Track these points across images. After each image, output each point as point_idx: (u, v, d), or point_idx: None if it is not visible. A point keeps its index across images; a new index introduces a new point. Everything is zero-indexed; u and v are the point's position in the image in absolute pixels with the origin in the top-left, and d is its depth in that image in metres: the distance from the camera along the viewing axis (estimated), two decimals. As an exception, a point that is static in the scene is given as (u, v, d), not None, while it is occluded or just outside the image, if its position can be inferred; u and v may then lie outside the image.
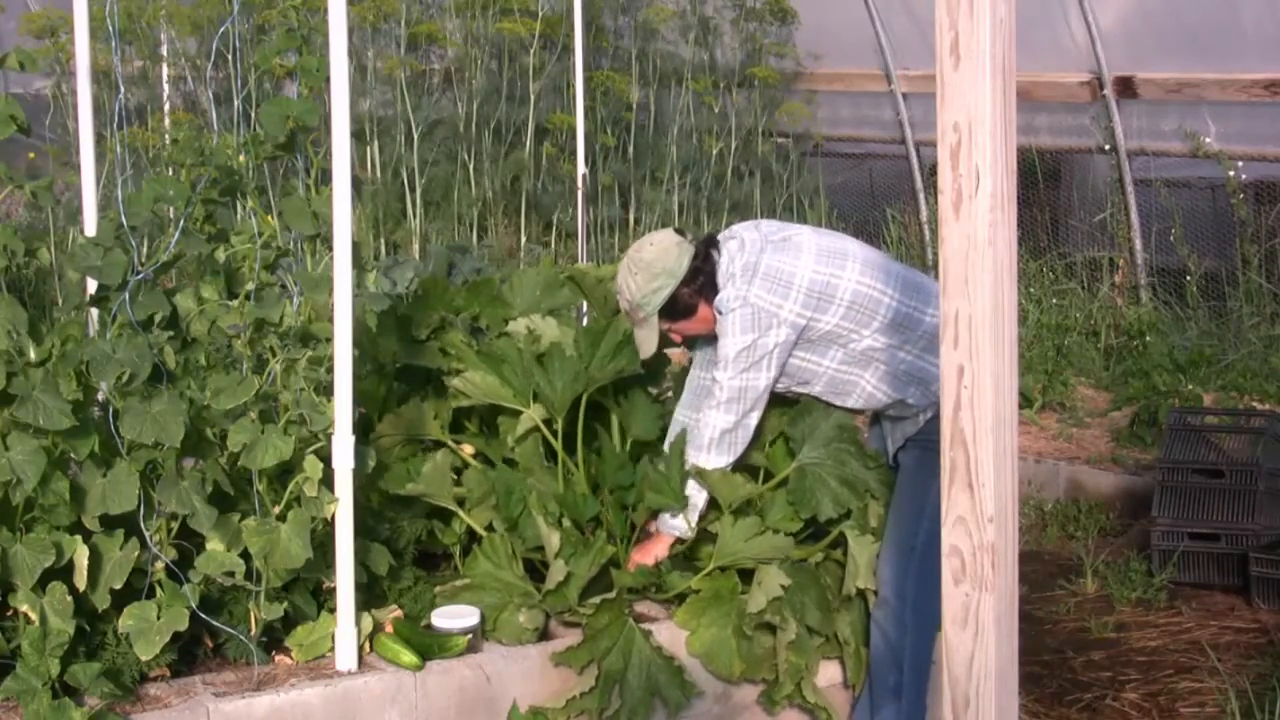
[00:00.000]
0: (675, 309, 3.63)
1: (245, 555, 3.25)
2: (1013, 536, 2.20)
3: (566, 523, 3.77)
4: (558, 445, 3.87)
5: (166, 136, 8.04)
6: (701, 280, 3.60)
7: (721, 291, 3.59)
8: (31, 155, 8.17)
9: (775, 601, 3.55)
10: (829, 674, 3.72)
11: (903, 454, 3.71)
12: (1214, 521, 5.05)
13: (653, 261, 3.59)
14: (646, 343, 3.69)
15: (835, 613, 3.68)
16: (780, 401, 3.81)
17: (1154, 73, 7.95)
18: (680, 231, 3.71)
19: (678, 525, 3.75)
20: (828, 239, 3.68)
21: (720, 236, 3.71)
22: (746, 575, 3.70)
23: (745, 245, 3.62)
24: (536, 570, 3.76)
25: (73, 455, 3.20)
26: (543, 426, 3.88)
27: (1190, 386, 6.57)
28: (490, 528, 3.86)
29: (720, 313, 3.59)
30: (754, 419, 3.65)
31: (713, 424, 3.64)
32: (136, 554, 3.24)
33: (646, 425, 3.93)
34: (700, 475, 3.68)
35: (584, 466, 3.87)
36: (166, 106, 8.49)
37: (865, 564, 3.64)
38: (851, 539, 3.66)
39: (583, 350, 3.87)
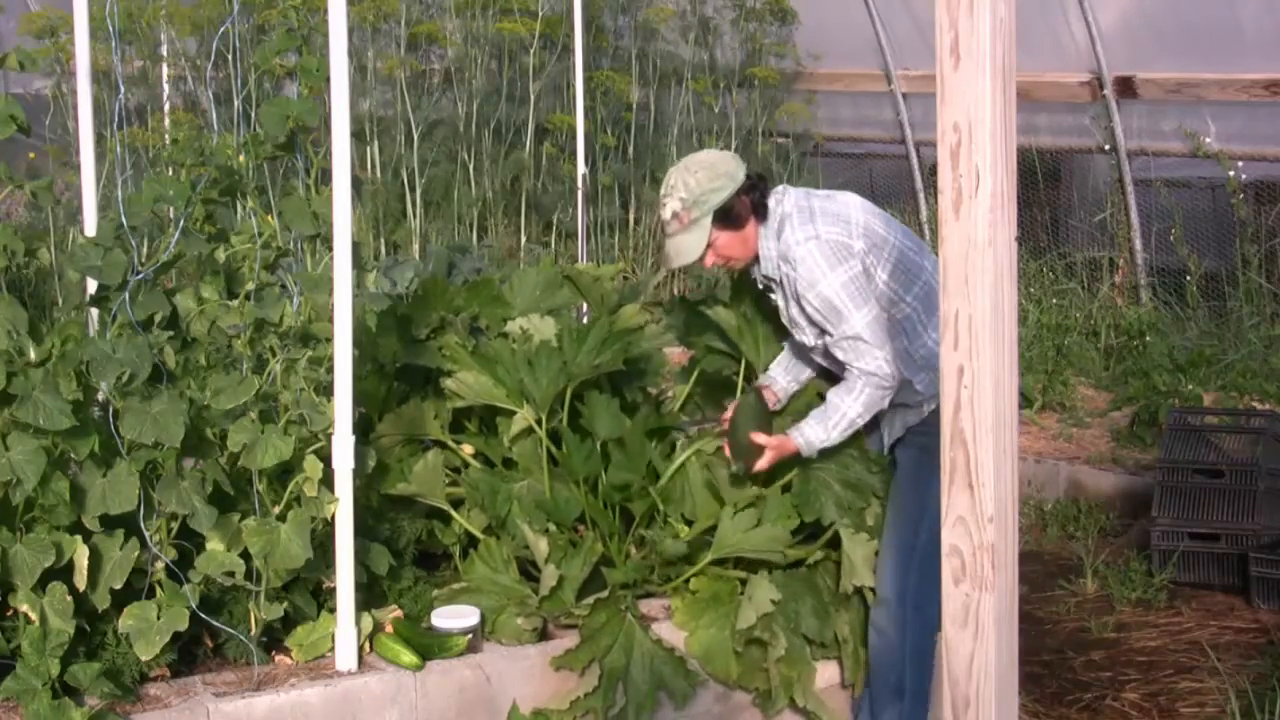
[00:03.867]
0: (729, 216, 3.55)
1: (245, 555, 3.25)
2: (1013, 536, 2.20)
3: (553, 526, 3.77)
4: (545, 442, 3.86)
5: (166, 136, 8.04)
6: (756, 195, 3.57)
7: (784, 235, 3.54)
8: (31, 155, 8.17)
9: (765, 617, 3.55)
10: (827, 674, 3.72)
11: (900, 449, 3.69)
12: (1214, 521, 5.04)
13: (715, 163, 3.57)
14: (690, 247, 3.57)
15: (834, 614, 3.68)
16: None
17: (1154, 73, 7.95)
18: None
19: (817, 448, 3.64)
20: (864, 201, 3.68)
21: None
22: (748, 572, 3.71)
23: (789, 192, 3.62)
24: (534, 571, 3.76)
25: (73, 455, 3.21)
26: (535, 426, 3.88)
27: (1190, 386, 6.56)
28: (489, 529, 3.86)
29: (791, 260, 3.52)
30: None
31: (886, 359, 3.50)
32: (136, 554, 3.24)
33: (609, 424, 3.88)
34: (874, 405, 3.57)
35: (570, 463, 3.86)
36: (166, 106, 8.49)
37: (861, 561, 3.64)
38: (846, 537, 3.66)
39: (567, 346, 3.86)
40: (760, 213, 3.58)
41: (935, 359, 3.55)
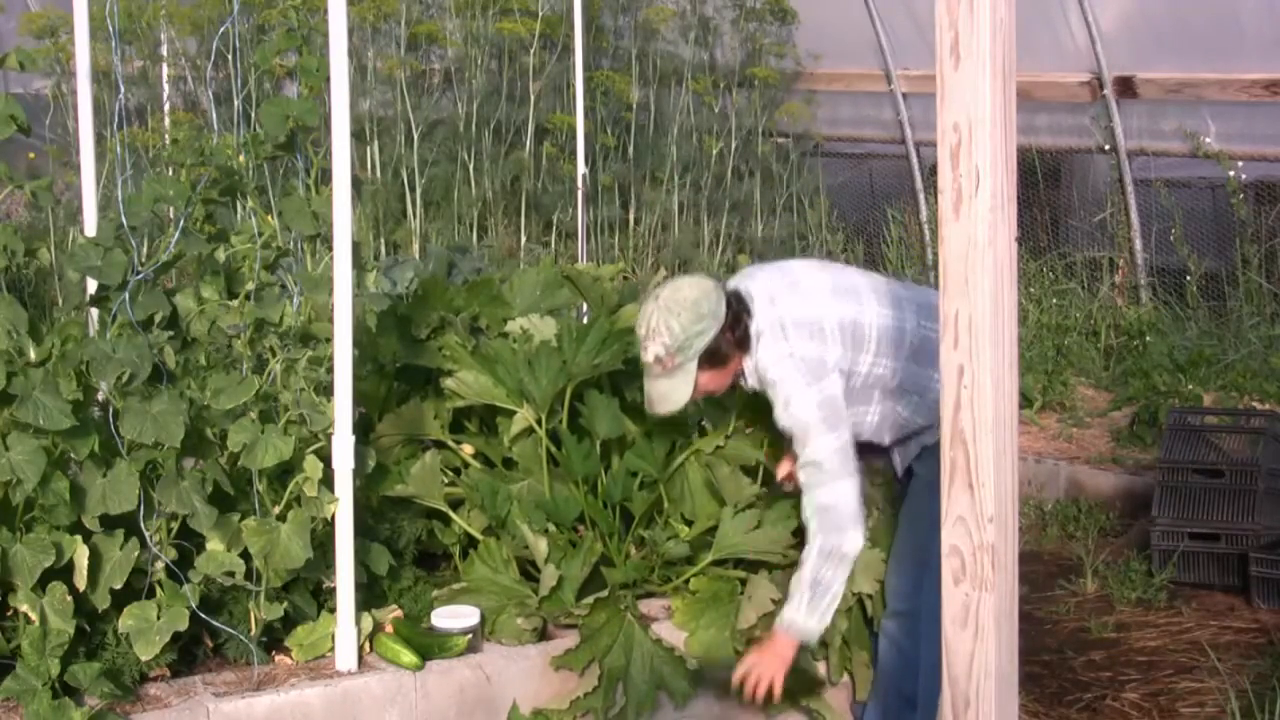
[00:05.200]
0: (715, 356, 3.39)
1: (245, 555, 3.25)
2: (1013, 536, 2.20)
3: (553, 526, 3.77)
4: (545, 442, 3.86)
5: (166, 136, 8.04)
6: (740, 328, 3.40)
7: (758, 354, 3.42)
8: (31, 155, 8.17)
9: (765, 617, 3.54)
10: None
11: (917, 463, 3.64)
12: (1214, 521, 5.04)
13: (698, 301, 3.36)
14: (675, 394, 3.41)
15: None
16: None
17: (1154, 73, 7.95)
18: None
19: (808, 628, 3.40)
20: (831, 274, 3.53)
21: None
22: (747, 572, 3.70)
23: (754, 299, 3.45)
24: (534, 571, 3.76)
25: (73, 455, 3.20)
26: (535, 426, 3.88)
27: (1190, 386, 6.56)
28: (489, 529, 3.86)
29: (767, 381, 3.41)
30: (860, 479, 3.40)
31: (843, 495, 3.36)
32: (136, 554, 3.24)
33: (609, 424, 3.85)
34: (832, 555, 3.38)
35: (570, 463, 3.86)
36: (166, 106, 8.49)
37: (860, 569, 3.62)
38: (851, 545, 3.65)
39: (566, 346, 3.86)
40: (745, 344, 3.42)
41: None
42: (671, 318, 3.36)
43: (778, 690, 3.41)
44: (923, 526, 3.53)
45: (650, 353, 3.39)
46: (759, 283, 3.50)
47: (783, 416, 3.40)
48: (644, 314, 3.42)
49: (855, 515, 3.38)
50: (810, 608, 3.38)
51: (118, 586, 3.22)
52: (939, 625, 3.49)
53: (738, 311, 3.41)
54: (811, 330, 3.40)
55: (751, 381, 3.52)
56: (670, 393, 3.42)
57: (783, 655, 3.42)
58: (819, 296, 3.45)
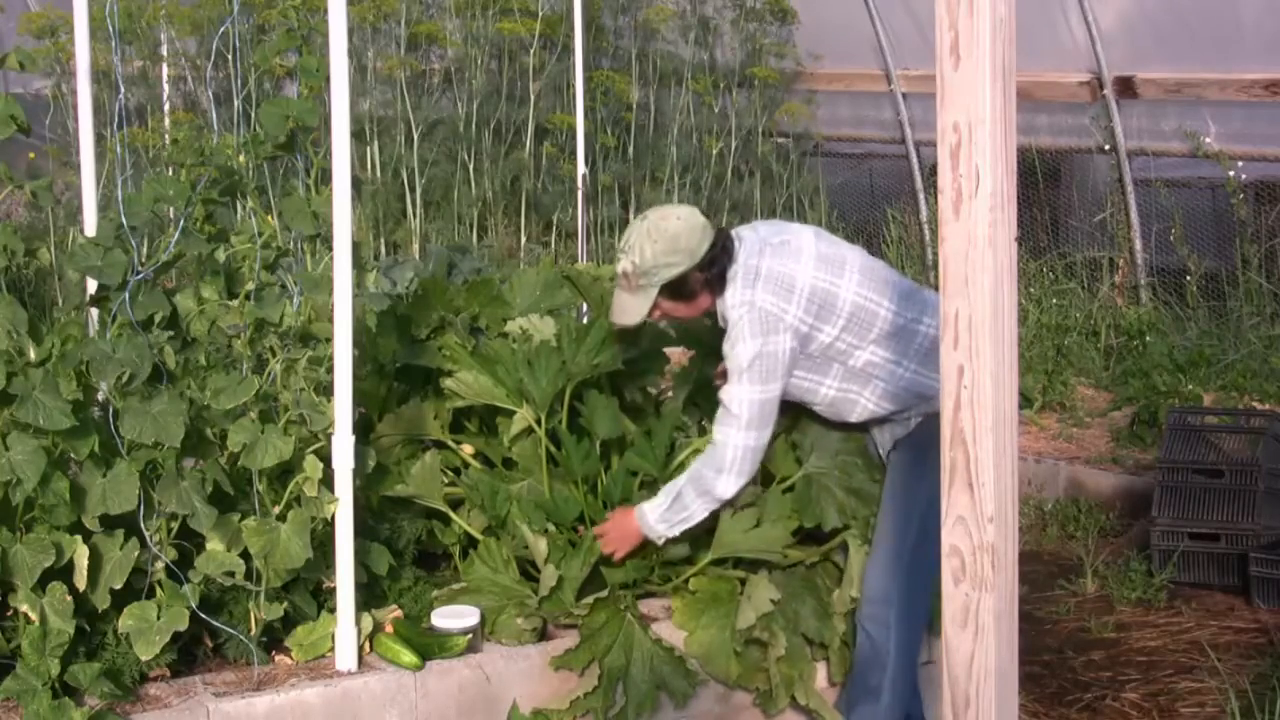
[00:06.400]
0: (680, 290, 3.51)
1: (245, 555, 3.25)
2: (1013, 536, 2.20)
3: (553, 526, 3.77)
4: (544, 442, 3.86)
5: (166, 136, 8.05)
6: (714, 270, 3.49)
7: (727, 293, 3.50)
8: (31, 155, 8.18)
9: (764, 617, 3.54)
10: (819, 674, 3.72)
11: (893, 454, 3.66)
12: (1214, 521, 5.04)
13: (677, 235, 3.46)
14: (633, 310, 3.54)
15: (833, 616, 3.68)
16: (788, 408, 3.78)
17: (1154, 73, 7.95)
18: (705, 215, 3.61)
19: (655, 529, 3.61)
20: (826, 245, 3.58)
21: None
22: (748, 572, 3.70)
23: (743, 243, 3.54)
24: (534, 571, 3.76)
25: (73, 455, 3.21)
26: (535, 426, 3.88)
27: (1190, 386, 6.56)
28: (488, 529, 3.86)
29: (725, 318, 3.51)
30: (769, 435, 3.51)
31: (736, 444, 3.47)
32: (136, 554, 3.24)
33: (609, 424, 3.86)
34: (700, 486, 3.54)
35: (569, 463, 3.86)
36: (166, 106, 8.50)
37: (859, 572, 3.63)
38: (853, 547, 3.65)
39: (566, 346, 3.86)
40: (717, 286, 3.51)
41: (917, 385, 3.52)
42: (648, 242, 3.47)
43: (618, 558, 3.69)
44: (897, 517, 3.56)
45: (620, 265, 3.54)
46: (758, 234, 3.59)
47: (727, 353, 3.51)
48: (631, 226, 3.56)
49: (738, 464, 3.49)
50: (664, 515, 3.59)
51: (118, 586, 3.22)
52: (910, 617, 3.53)
53: (718, 255, 3.50)
54: (780, 285, 3.46)
55: (720, 319, 3.59)
56: (628, 308, 3.56)
57: (628, 535, 3.67)
58: (803, 259, 3.52)
